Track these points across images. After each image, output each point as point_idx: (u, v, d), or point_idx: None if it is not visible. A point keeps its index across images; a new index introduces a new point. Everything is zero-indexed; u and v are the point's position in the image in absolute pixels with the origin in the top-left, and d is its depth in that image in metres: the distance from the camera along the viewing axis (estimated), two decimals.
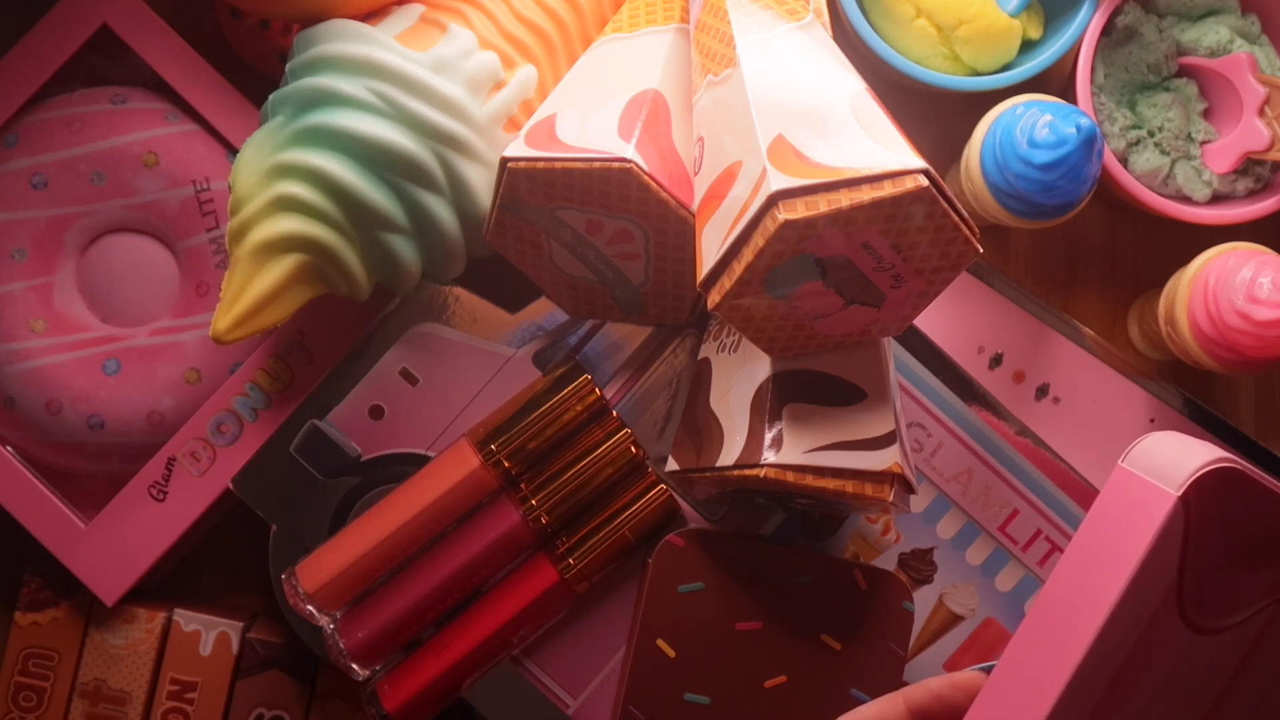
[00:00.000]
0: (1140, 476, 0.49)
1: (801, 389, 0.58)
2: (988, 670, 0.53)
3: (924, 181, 0.51)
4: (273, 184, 0.61)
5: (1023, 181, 0.62)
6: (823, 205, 0.51)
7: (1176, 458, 0.48)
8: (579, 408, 0.64)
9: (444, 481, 0.63)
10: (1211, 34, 0.69)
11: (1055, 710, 0.47)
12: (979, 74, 0.69)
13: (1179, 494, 0.47)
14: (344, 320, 0.68)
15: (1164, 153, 0.69)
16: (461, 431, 0.65)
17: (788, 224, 0.51)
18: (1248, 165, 0.69)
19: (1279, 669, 0.54)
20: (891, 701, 0.55)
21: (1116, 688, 0.49)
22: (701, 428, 0.62)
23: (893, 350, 0.65)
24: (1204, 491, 0.48)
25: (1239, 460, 0.48)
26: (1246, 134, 0.67)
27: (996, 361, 0.69)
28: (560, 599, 0.64)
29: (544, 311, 0.67)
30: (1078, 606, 0.48)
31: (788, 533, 0.66)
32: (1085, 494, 0.67)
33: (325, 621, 0.64)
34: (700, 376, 0.64)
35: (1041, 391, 0.69)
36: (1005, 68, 0.69)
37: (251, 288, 0.61)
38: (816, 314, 0.56)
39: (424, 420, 0.66)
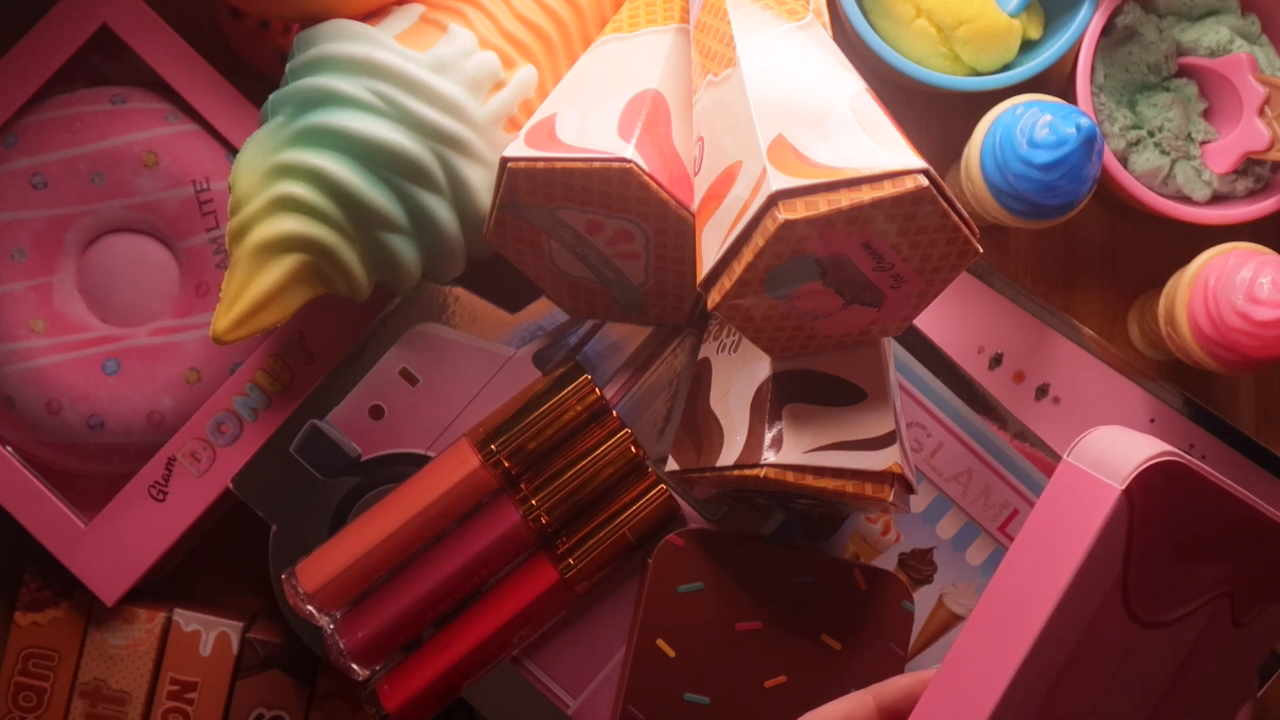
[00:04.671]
0: (1084, 470, 0.49)
1: (801, 389, 0.58)
2: None
3: (924, 181, 0.51)
4: (273, 184, 0.61)
5: (1023, 181, 0.62)
6: (823, 205, 0.51)
7: (1122, 451, 0.49)
8: (579, 408, 0.64)
9: (444, 481, 0.63)
10: (1211, 34, 0.69)
11: (1000, 706, 0.48)
12: (979, 74, 0.69)
13: (1123, 488, 0.48)
14: (344, 320, 0.68)
15: (1164, 153, 0.69)
16: (461, 431, 0.65)
17: (788, 224, 0.51)
18: (1248, 165, 0.69)
19: (1223, 663, 0.54)
20: (862, 699, 0.55)
21: (1063, 683, 0.49)
22: (701, 428, 0.62)
23: (893, 350, 0.65)
24: (1149, 485, 0.48)
25: (1183, 454, 0.49)
26: (1246, 134, 0.67)
27: (996, 361, 0.69)
28: (560, 599, 0.64)
29: (544, 311, 0.67)
30: (1022, 602, 0.48)
31: (788, 533, 0.66)
32: None
33: (325, 621, 0.64)
34: (700, 376, 0.64)
35: (1041, 391, 0.69)
36: (1005, 68, 0.69)
37: (251, 288, 0.61)
38: (816, 314, 0.56)
39: (424, 420, 0.66)
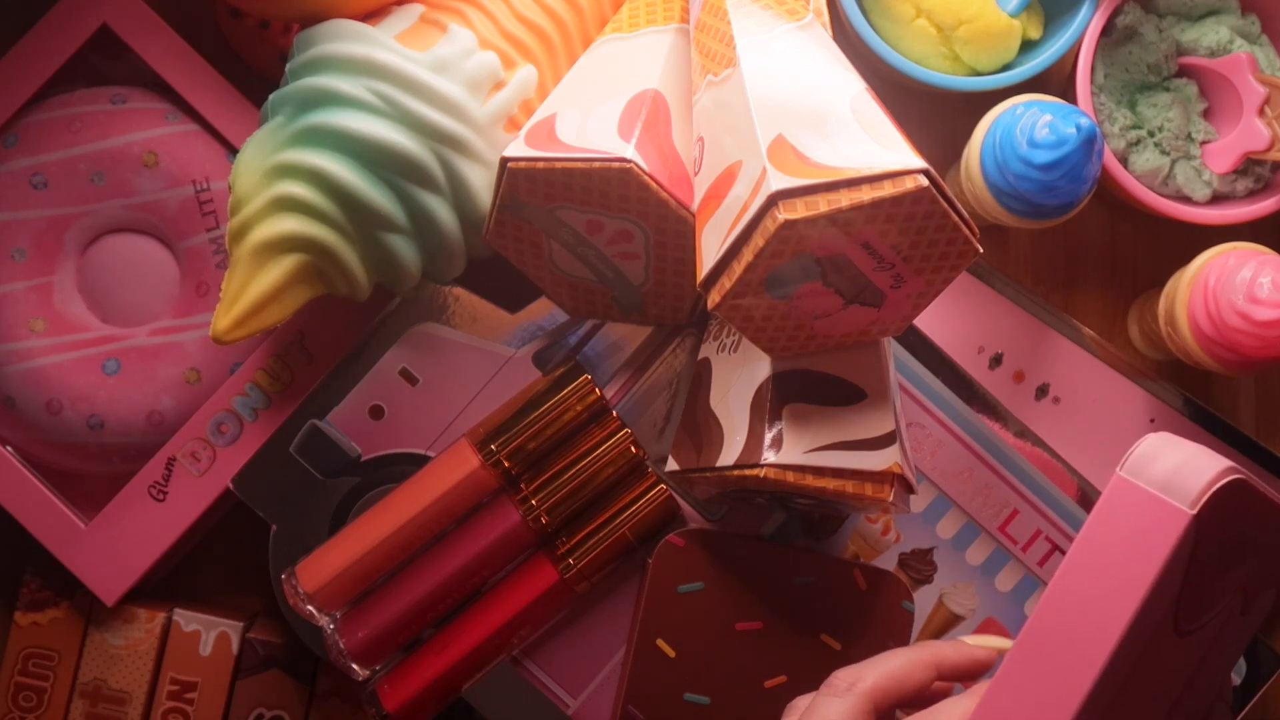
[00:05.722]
0: (1148, 490, 0.47)
1: (801, 389, 0.58)
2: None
3: (924, 181, 0.51)
4: (273, 184, 0.61)
5: (1023, 181, 0.62)
6: (823, 205, 0.51)
7: (1184, 470, 0.47)
8: (579, 408, 0.64)
9: (444, 481, 0.63)
10: (1211, 34, 0.69)
11: None
12: (979, 74, 0.69)
13: (1194, 513, 0.46)
14: (344, 320, 0.68)
15: (1164, 153, 0.69)
16: (461, 431, 0.65)
17: (788, 224, 0.51)
18: (1248, 165, 0.69)
19: (1228, 650, 0.53)
20: (922, 662, 0.54)
21: (1112, 705, 0.48)
22: (701, 428, 0.62)
23: (893, 350, 0.65)
24: (1215, 506, 0.46)
25: (1243, 470, 0.47)
26: (1246, 134, 0.67)
27: (996, 361, 0.69)
28: (560, 599, 0.64)
29: (544, 311, 0.67)
30: (1086, 628, 0.46)
31: (788, 533, 0.66)
32: (1085, 494, 0.67)
33: (325, 621, 0.64)
34: (700, 376, 0.64)
35: (1041, 391, 0.69)
36: (1005, 68, 0.69)
37: (251, 288, 0.61)
38: (816, 314, 0.56)
39: (424, 420, 0.66)
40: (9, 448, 0.69)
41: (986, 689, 0.48)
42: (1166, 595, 0.47)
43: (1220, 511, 0.47)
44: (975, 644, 0.56)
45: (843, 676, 0.53)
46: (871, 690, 0.52)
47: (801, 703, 0.54)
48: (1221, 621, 0.52)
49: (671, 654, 0.62)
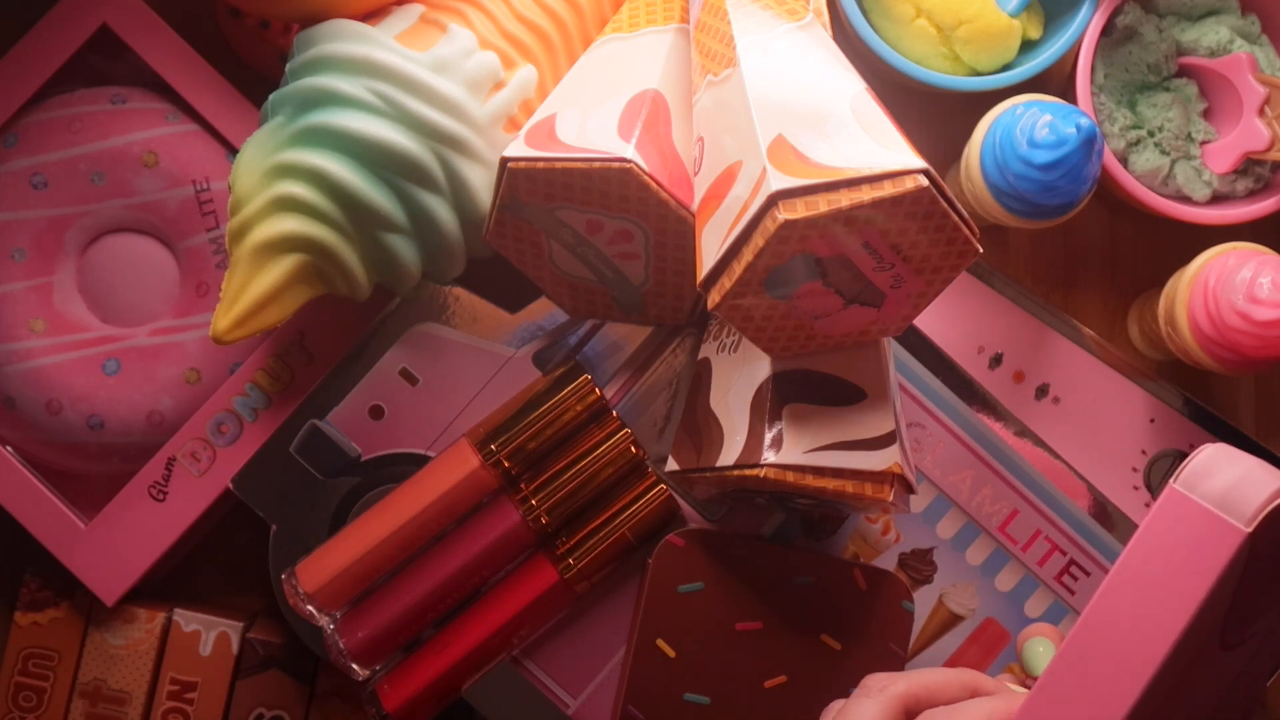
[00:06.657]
0: (1203, 505, 0.46)
1: (801, 389, 0.58)
2: None
3: (924, 181, 0.51)
4: (273, 184, 0.61)
5: (1023, 181, 0.62)
6: (823, 205, 0.51)
7: (1241, 486, 0.46)
8: (579, 408, 0.64)
9: (444, 481, 0.63)
10: (1211, 34, 0.69)
11: None
12: (979, 74, 0.69)
13: (1249, 530, 0.45)
14: (344, 320, 0.68)
15: (1164, 153, 0.69)
16: (461, 431, 0.65)
17: (788, 224, 0.51)
18: (1248, 165, 0.69)
19: (1270, 657, 0.53)
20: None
21: (1155, 715, 0.47)
22: (701, 428, 0.62)
23: (893, 350, 0.65)
24: (1271, 523, 0.46)
25: None
26: (1246, 134, 0.67)
27: (996, 361, 0.69)
28: (560, 599, 0.64)
29: (544, 311, 0.67)
30: (1134, 642, 0.45)
31: (788, 533, 0.66)
32: (1085, 494, 0.67)
33: (325, 621, 0.64)
34: (700, 376, 0.64)
35: (1041, 391, 0.69)
36: (1005, 68, 0.69)
37: (251, 288, 0.61)
38: (816, 314, 0.56)
39: (424, 420, 0.66)
40: (9, 448, 0.69)
41: (1029, 695, 0.47)
42: (1216, 611, 0.47)
43: (1275, 527, 0.46)
44: (1018, 691, 0.55)
45: (877, 679, 0.53)
46: (904, 694, 0.52)
47: (836, 705, 0.54)
48: (1266, 631, 0.51)
49: (671, 654, 0.62)
